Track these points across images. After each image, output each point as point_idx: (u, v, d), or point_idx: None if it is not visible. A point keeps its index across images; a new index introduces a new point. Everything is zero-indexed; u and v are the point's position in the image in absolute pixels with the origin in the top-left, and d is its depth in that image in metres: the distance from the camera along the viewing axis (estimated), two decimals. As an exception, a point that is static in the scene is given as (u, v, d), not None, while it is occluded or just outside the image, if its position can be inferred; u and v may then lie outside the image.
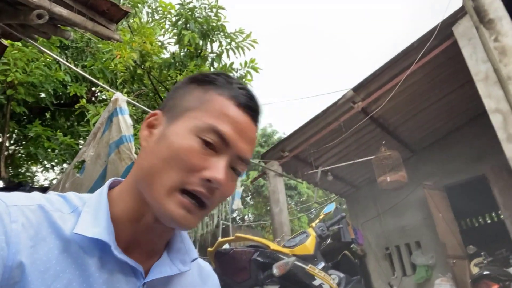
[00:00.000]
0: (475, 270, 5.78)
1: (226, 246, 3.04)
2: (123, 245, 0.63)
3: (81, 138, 5.84)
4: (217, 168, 0.60)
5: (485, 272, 5.14)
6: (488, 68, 4.00)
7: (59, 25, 2.88)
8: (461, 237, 6.52)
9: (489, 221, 9.27)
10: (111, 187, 0.69)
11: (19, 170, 6.09)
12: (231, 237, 3.30)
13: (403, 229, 7.31)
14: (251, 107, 0.66)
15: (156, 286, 0.65)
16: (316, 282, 2.70)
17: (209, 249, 3.05)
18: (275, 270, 2.63)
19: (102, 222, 0.61)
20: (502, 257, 5.59)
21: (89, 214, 0.62)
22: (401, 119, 6.19)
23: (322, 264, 2.91)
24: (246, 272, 2.69)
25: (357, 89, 5.32)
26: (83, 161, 3.25)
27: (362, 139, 6.24)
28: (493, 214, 9.04)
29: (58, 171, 6.71)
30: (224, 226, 7.72)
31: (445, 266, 6.19)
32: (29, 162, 6.09)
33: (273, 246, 2.92)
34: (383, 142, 5.75)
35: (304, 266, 2.73)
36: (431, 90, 5.63)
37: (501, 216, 7.73)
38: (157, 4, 6.43)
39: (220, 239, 3.26)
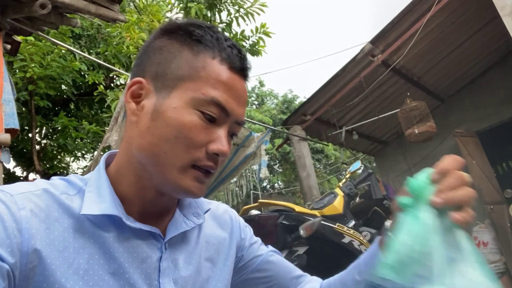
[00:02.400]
0: (514, 214, 5.65)
1: (254, 212, 3.08)
2: (135, 216, 0.64)
3: (106, 125, 5.97)
4: (221, 140, 0.61)
5: (525, 215, 5.02)
6: (515, 0, 3.70)
7: (65, 13, 2.88)
8: (497, 182, 6.32)
9: (527, 163, 8.92)
10: (107, 162, 0.69)
11: (53, 162, 6.33)
12: (254, 204, 3.34)
13: (436, 180, 7.16)
14: (244, 69, 0.65)
15: (176, 243, 0.67)
16: (346, 240, 2.70)
17: None
18: (302, 232, 2.65)
19: (107, 198, 0.61)
20: (543, 198, 5.42)
21: (92, 193, 0.62)
22: (425, 67, 5.91)
23: (352, 222, 2.91)
24: (273, 236, 2.72)
25: (375, 41, 5.08)
26: (109, 146, 3.33)
27: (386, 93, 6.03)
28: (531, 156, 8.67)
29: (88, 159, 6.94)
30: (255, 195, 7.83)
31: (483, 213, 6.05)
32: (61, 153, 6.31)
33: (298, 208, 2.93)
34: (408, 94, 5.54)
35: (331, 225, 2.73)
36: (454, 32, 5.31)
37: (540, 157, 7.43)
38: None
39: (244, 207, 3.31)
